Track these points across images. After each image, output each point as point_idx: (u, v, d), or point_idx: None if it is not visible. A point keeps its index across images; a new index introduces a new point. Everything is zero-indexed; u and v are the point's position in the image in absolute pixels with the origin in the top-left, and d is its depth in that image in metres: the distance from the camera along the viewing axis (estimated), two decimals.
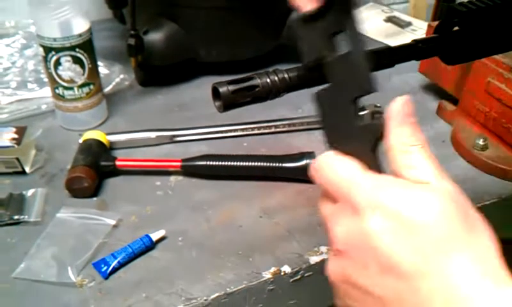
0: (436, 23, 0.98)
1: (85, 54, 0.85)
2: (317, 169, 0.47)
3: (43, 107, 0.95)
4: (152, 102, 1.01)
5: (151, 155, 0.87)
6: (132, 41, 0.93)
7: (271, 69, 0.51)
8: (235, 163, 0.80)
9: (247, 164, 0.80)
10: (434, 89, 1.02)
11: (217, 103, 0.48)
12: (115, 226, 0.73)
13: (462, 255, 0.37)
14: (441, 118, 0.96)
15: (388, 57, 0.53)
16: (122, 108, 0.98)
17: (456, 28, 0.56)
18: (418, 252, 0.37)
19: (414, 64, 1.10)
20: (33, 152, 0.85)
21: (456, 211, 0.39)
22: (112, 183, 0.82)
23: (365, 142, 0.44)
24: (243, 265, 0.69)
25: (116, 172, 0.82)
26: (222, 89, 0.46)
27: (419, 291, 0.37)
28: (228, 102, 0.47)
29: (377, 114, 0.92)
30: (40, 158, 0.85)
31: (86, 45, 0.85)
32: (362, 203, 0.40)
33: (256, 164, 0.80)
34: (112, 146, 0.87)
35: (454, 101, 0.95)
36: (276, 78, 0.48)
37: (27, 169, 0.82)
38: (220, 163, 0.80)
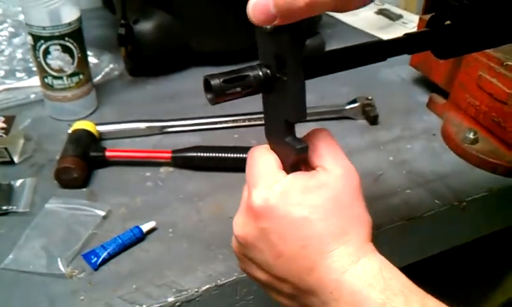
0: (427, 16, 0.98)
1: (74, 43, 0.84)
2: (248, 156, 0.53)
3: (32, 96, 0.94)
4: (142, 92, 1.00)
5: (141, 145, 0.86)
6: (122, 30, 0.92)
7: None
8: (226, 154, 0.80)
9: (238, 155, 0.80)
10: (425, 82, 1.02)
11: (209, 96, 0.47)
12: (105, 217, 0.73)
13: (331, 254, 0.46)
14: (432, 111, 0.96)
15: (380, 50, 0.53)
16: (112, 98, 0.98)
17: (448, 22, 0.56)
18: (301, 247, 0.46)
19: (405, 57, 1.10)
20: (21, 142, 0.84)
21: (336, 207, 0.46)
22: (101, 174, 0.81)
23: (288, 154, 0.49)
24: (234, 257, 0.67)
25: (105, 163, 0.82)
26: (213, 82, 0.46)
27: (307, 282, 0.46)
28: (219, 95, 0.47)
29: (368, 106, 0.92)
30: (28, 148, 0.84)
31: (76, 34, 0.84)
32: (256, 203, 0.48)
33: (245, 155, 0.79)
34: (101, 137, 0.86)
35: (445, 94, 0.95)
36: (268, 71, 0.47)
37: (16, 159, 0.81)
38: (211, 154, 0.80)
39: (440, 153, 0.87)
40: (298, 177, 0.48)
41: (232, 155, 0.80)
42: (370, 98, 0.93)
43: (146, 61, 1.01)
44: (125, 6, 0.90)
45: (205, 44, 1.03)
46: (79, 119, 0.88)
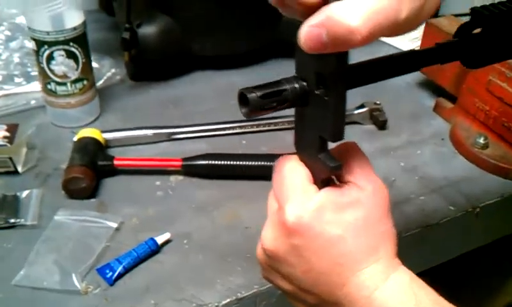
0: (433, 20, 0.98)
1: (79, 48, 0.82)
2: (275, 166, 0.51)
3: (32, 102, 0.91)
4: (145, 97, 0.98)
5: (148, 153, 0.84)
6: (126, 35, 0.89)
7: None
8: (238, 162, 0.79)
9: (250, 163, 0.78)
10: (431, 86, 1.02)
11: (244, 110, 0.46)
12: (117, 229, 0.71)
13: (363, 272, 0.46)
14: (439, 115, 0.96)
15: (414, 61, 0.52)
16: (114, 104, 0.95)
17: (477, 31, 0.56)
18: (334, 264, 0.46)
19: None
20: (24, 150, 0.81)
21: (367, 225, 0.46)
22: (110, 183, 0.79)
23: (320, 169, 0.48)
24: (253, 269, 0.67)
25: (113, 171, 0.79)
26: (250, 96, 0.44)
27: (336, 296, 0.47)
28: (255, 108, 0.45)
29: (376, 111, 0.91)
30: (32, 157, 0.81)
31: (80, 38, 0.82)
32: (290, 221, 0.46)
33: (260, 163, 0.78)
34: (107, 144, 0.84)
35: (451, 98, 0.95)
36: (305, 84, 0.46)
37: (20, 169, 0.79)
38: (222, 162, 0.78)
39: (450, 158, 0.87)
40: (331, 193, 0.47)
41: (245, 163, 0.78)
42: (378, 102, 0.92)
43: (149, 66, 0.99)
44: (130, 9, 0.88)
45: (206, 48, 1.01)
46: (82, 126, 0.86)
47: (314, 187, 0.48)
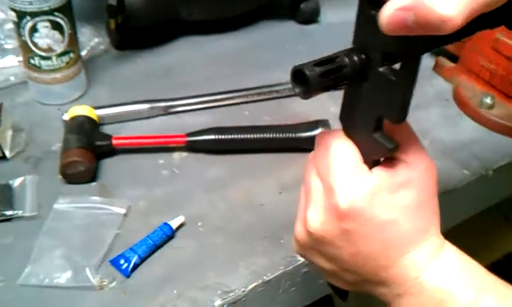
0: None
1: (65, 18, 0.75)
2: (318, 142, 0.48)
3: (12, 79, 0.83)
4: (133, 68, 0.91)
5: (145, 129, 0.78)
6: (113, 1, 0.82)
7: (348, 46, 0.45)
8: (246, 136, 0.74)
9: (258, 136, 0.74)
10: None
11: (299, 89, 0.41)
12: (125, 215, 0.66)
13: (412, 253, 0.44)
14: (439, 74, 0.93)
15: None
16: (101, 76, 0.88)
17: None
18: (383, 247, 0.44)
19: None
20: (10, 133, 0.74)
21: (420, 205, 0.44)
22: (109, 164, 0.73)
23: (373, 149, 0.44)
24: (275, 249, 0.64)
25: (112, 152, 0.74)
26: (310, 73, 0.40)
27: (381, 276, 0.45)
28: (316, 87, 0.40)
29: None
30: (19, 141, 0.74)
31: (66, 7, 0.74)
32: (342, 206, 0.43)
33: (268, 135, 0.74)
34: (100, 122, 0.77)
35: (451, 57, 0.92)
36: (364, 57, 0.41)
37: (8, 154, 0.72)
38: (229, 136, 0.74)
39: (457, 120, 0.84)
40: (384, 174, 0.43)
41: (253, 136, 0.74)
42: None
43: (135, 33, 0.92)
44: None
45: (195, 12, 0.94)
46: (69, 103, 0.79)
47: (366, 168, 0.45)
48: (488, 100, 0.82)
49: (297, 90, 0.41)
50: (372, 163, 0.45)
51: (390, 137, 0.43)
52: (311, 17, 1.03)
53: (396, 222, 0.43)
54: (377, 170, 0.44)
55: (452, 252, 0.45)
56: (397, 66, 0.40)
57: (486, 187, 0.78)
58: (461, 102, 0.86)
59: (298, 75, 0.41)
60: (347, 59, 0.41)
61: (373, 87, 0.42)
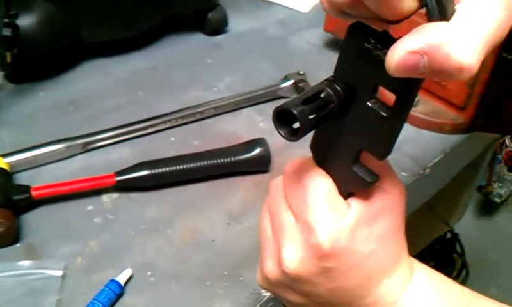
0: None
1: None
2: (287, 172, 0.45)
3: None
4: (36, 102, 0.81)
5: (65, 171, 0.70)
6: (7, 31, 0.72)
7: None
8: (182, 166, 0.68)
9: (195, 164, 0.69)
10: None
11: (285, 131, 0.37)
12: (63, 277, 0.58)
13: (389, 280, 0.43)
14: None
15: None
16: (1, 117, 0.77)
17: None
18: (364, 279, 0.43)
19: (307, 22, 1.06)
20: None
21: (395, 231, 0.43)
22: (32, 219, 0.64)
23: (350, 181, 0.42)
24: (236, 289, 0.59)
25: (32, 204, 0.64)
26: (299, 114, 0.35)
27: (356, 304, 0.44)
28: (307, 129, 0.36)
29: (301, 82, 0.86)
30: None
31: None
32: (325, 245, 0.41)
33: (205, 162, 0.69)
34: (12, 170, 0.68)
35: None
36: (347, 88, 0.38)
37: None
38: (164, 169, 0.68)
39: None
40: (361, 206, 0.41)
41: (189, 166, 0.68)
42: (301, 72, 0.86)
43: (32, 63, 0.82)
44: None
45: (98, 33, 0.86)
46: None
47: (343, 201, 0.42)
48: None
49: (282, 132, 0.37)
50: (347, 193, 0.42)
51: (367, 167, 0.41)
52: (219, 28, 0.99)
53: (375, 253, 0.42)
54: (355, 202, 0.42)
55: (422, 271, 0.45)
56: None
57: (424, 185, 0.78)
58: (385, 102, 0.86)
59: (282, 115, 0.36)
60: (332, 93, 0.37)
61: (357, 121, 0.39)
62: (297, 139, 0.37)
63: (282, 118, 0.36)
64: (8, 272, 0.57)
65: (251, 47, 0.98)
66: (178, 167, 0.68)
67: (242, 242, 0.64)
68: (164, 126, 0.77)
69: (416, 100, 0.82)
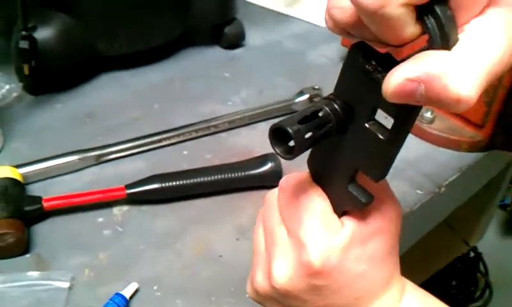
0: None
1: None
2: (283, 187, 0.45)
3: None
4: (53, 114, 0.82)
5: (77, 183, 0.70)
6: (25, 44, 0.73)
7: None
8: (192, 180, 0.68)
9: (206, 179, 0.68)
10: None
11: (281, 149, 0.37)
12: (70, 288, 0.58)
13: (379, 301, 0.43)
14: None
15: None
16: (18, 128, 0.78)
17: None
18: (354, 299, 0.42)
19: (326, 37, 1.05)
20: None
21: (389, 252, 0.43)
22: (42, 230, 0.65)
23: (344, 200, 0.41)
24: (242, 305, 0.58)
25: (43, 215, 0.65)
26: (295, 134, 0.35)
27: None
28: (302, 148, 0.36)
29: (316, 96, 0.85)
30: None
31: None
32: (316, 264, 0.41)
33: (216, 177, 0.69)
34: (25, 181, 0.68)
35: None
36: (346, 108, 0.37)
37: None
38: (175, 183, 0.68)
39: None
40: (356, 226, 0.41)
41: (200, 180, 0.68)
42: (317, 87, 0.86)
43: (50, 75, 0.83)
44: (26, 12, 0.72)
45: (115, 46, 0.87)
46: None
47: (337, 219, 0.42)
48: (428, 115, 0.82)
49: (278, 150, 0.37)
50: (342, 212, 0.42)
51: (363, 187, 0.40)
52: (236, 41, 0.99)
53: (366, 273, 0.42)
54: (349, 221, 0.41)
55: (413, 294, 0.45)
56: (385, 120, 0.37)
57: (439, 204, 0.77)
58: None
59: (279, 133, 0.36)
60: (330, 112, 0.37)
61: (354, 141, 0.38)
62: (293, 158, 0.37)
63: (278, 136, 0.36)
64: (16, 282, 0.57)
65: (268, 60, 0.98)
66: (188, 181, 0.68)
67: (250, 257, 0.63)
68: (177, 139, 0.77)
69: (432, 116, 0.81)
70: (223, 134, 0.81)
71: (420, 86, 0.29)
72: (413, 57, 0.30)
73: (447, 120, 0.82)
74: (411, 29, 0.30)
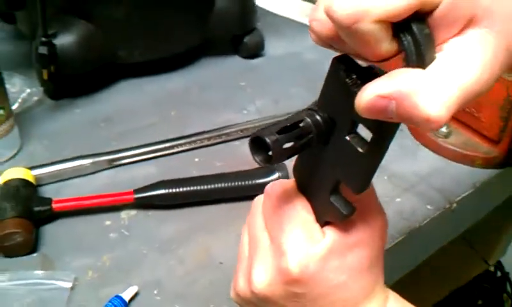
0: None
1: None
2: (268, 194, 0.45)
3: None
4: (71, 119, 0.84)
5: (89, 186, 0.72)
6: (44, 49, 0.76)
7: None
8: (199, 187, 0.69)
9: (213, 186, 0.69)
10: None
11: (260, 157, 0.37)
12: (72, 289, 0.59)
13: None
14: None
15: None
16: (36, 131, 0.81)
17: None
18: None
19: None
20: None
21: (370, 263, 0.42)
22: (50, 231, 0.66)
23: (327, 211, 0.41)
24: None
25: (52, 216, 0.67)
26: (272, 143, 0.35)
27: None
28: (279, 158, 0.37)
29: None
30: None
31: None
32: (294, 271, 0.41)
33: (223, 185, 0.69)
34: (38, 183, 0.71)
35: None
36: (328, 119, 0.38)
37: None
38: (181, 189, 0.69)
39: (414, 151, 0.82)
40: (337, 236, 0.41)
41: (207, 187, 0.69)
42: None
43: (70, 81, 0.86)
44: (45, 18, 0.74)
45: (134, 54, 0.89)
46: (1, 164, 0.72)
47: (319, 229, 0.42)
48: (444, 129, 0.81)
49: (257, 159, 0.37)
50: (324, 222, 0.42)
51: (346, 198, 0.40)
52: (255, 51, 1.00)
53: (346, 284, 0.42)
54: (330, 231, 0.41)
55: (396, 303, 0.44)
56: (367, 133, 0.37)
57: (451, 220, 0.75)
58: (416, 132, 0.84)
59: (258, 142, 0.36)
60: (311, 123, 0.37)
61: (335, 153, 0.39)
62: (271, 165, 0.37)
63: (258, 145, 0.37)
64: (21, 280, 0.59)
65: (286, 70, 0.98)
66: (195, 188, 0.69)
67: None
68: (189, 146, 0.78)
69: (448, 130, 0.80)
70: (236, 142, 0.81)
71: (391, 103, 0.29)
72: (387, 74, 0.30)
73: (463, 135, 0.81)
74: (386, 45, 0.30)
